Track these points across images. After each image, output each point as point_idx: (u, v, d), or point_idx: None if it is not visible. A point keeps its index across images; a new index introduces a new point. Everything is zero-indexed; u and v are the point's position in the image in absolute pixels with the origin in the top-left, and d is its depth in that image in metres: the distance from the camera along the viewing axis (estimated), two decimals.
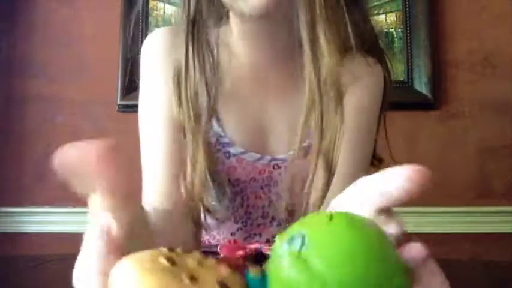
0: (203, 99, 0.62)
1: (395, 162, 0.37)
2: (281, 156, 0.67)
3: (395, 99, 1.76)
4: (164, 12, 1.73)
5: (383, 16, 1.69)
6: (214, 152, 0.66)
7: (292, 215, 0.66)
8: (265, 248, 0.57)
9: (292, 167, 0.64)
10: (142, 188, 0.67)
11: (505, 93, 1.65)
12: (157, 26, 1.72)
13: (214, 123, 0.66)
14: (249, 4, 0.57)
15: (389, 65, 0.71)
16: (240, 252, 0.57)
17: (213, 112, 0.63)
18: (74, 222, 1.64)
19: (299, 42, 0.60)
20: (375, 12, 1.70)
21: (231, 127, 0.67)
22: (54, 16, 1.75)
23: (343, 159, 0.62)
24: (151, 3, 1.73)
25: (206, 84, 0.62)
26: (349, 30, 0.59)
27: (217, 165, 0.66)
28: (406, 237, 0.33)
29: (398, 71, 1.66)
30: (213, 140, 0.66)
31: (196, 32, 0.62)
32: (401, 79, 1.66)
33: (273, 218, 0.70)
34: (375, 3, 1.70)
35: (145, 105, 0.69)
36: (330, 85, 0.58)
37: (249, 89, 0.68)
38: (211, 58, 0.63)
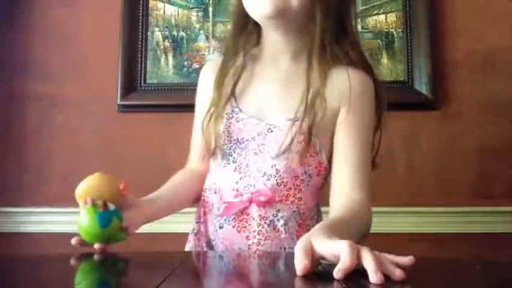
0: (228, 88, 0.97)
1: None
2: (274, 122, 0.94)
3: (395, 99, 1.78)
4: (164, 12, 1.73)
5: (383, 16, 1.70)
6: (229, 118, 0.96)
7: (278, 172, 0.92)
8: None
9: (280, 133, 0.92)
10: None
11: (505, 93, 1.65)
12: (157, 26, 1.72)
13: (233, 100, 0.97)
14: (260, 7, 0.89)
15: (377, 77, 0.99)
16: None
17: (232, 94, 0.97)
18: (74, 222, 1.64)
19: (301, 55, 0.96)
20: (375, 12, 1.70)
21: (243, 103, 0.97)
22: (54, 16, 1.75)
23: (348, 149, 0.92)
24: (151, 3, 1.73)
25: (232, 78, 0.98)
26: (346, 52, 0.95)
27: (231, 127, 0.95)
28: None
29: (398, 71, 1.66)
30: (229, 110, 0.96)
31: (233, 49, 0.98)
32: (401, 79, 1.66)
33: (264, 173, 0.93)
34: (375, 3, 1.70)
35: (196, 109, 1.07)
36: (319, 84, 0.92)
37: (261, 82, 0.98)
38: (239, 64, 0.98)
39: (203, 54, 1.70)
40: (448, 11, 1.69)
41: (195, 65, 1.69)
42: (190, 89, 1.63)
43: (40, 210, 1.65)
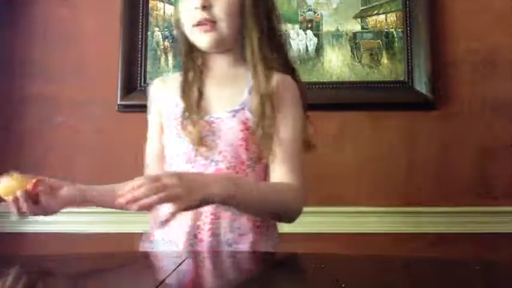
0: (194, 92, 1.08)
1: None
2: (216, 115, 1.05)
3: (395, 99, 1.77)
4: (164, 12, 1.73)
5: (383, 16, 1.70)
6: (177, 118, 1.06)
7: (225, 159, 1.02)
8: None
9: (222, 124, 1.04)
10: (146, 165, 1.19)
11: (505, 93, 1.65)
12: (157, 26, 1.72)
13: (181, 102, 1.07)
14: (201, 43, 1.05)
15: (300, 79, 1.13)
16: None
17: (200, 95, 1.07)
18: (74, 222, 1.64)
19: (241, 62, 1.09)
20: (375, 12, 1.70)
21: (190, 103, 1.06)
22: (54, 16, 1.75)
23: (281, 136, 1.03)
24: (151, 3, 1.73)
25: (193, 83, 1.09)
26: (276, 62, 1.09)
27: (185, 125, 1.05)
28: None
29: (398, 71, 1.66)
30: (179, 111, 1.06)
31: (187, 63, 1.10)
32: (401, 79, 1.66)
33: (212, 160, 1.03)
34: (375, 3, 1.70)
35: (148, 124, 1.19)
36: (262, 87, 1.04)
37: (205, 85, 1.09)
38: (198, 74, 1.09)
39: None
40: (448, 11, 1.69)
41: None
42: None
43: None
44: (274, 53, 1.08)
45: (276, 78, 1.07)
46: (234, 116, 1.04)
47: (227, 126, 1.03)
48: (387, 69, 1.67)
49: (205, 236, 0.99)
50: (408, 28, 1.67)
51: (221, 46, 1.06)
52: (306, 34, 1.70)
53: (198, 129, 1.02)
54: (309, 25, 1.70)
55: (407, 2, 1.68)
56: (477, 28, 1.68)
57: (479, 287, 0.65)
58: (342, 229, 1.60)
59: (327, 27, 1.70)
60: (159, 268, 0.73)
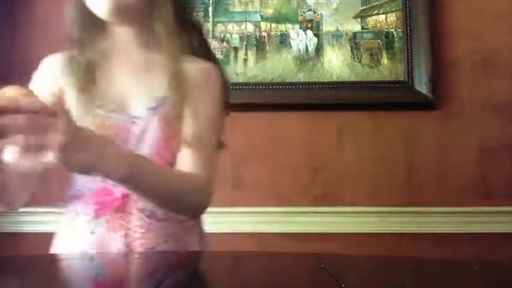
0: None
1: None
2: (136, 114, 0.91)
3: (395, 99, 1.77)
4: None
5: (383, 16, 1.69)
6: (87, 114, 0.88)
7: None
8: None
9: (144, 124, 0.90)
10: None
11: (505, 93, 1.65)
12: None
13: (88, 98, 0.90)
14: (99, 10, 0.89)
15: (222, 68, 1.02)
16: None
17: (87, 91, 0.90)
18: None
19: (150, 45, 0.94)
20: (375, 12, 1.70)
21: (100, 99, 0.90)
22: (54, 16, 1.75)
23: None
24: None
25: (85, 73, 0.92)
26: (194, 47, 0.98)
27: (90, 125, 0.86)
28: None
29: (399, 71, 1.66)
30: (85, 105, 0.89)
31: (81, 42, 0.96)
32: (402, 79, 1.66)
33: None
34: (375, 3, 1.70)
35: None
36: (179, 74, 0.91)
37: (115, 75, 0.94)
38: (90, 59, 0.93)
39: None
40: (448, 11, 1.69)
41: None
42: None
43: (40, 210, 1.64)
44: (193, 34, 0.97)
45: (199, 65, 0.96)
46: (154, 113, 0.90)
47: (148, 126, 0.90)
48: (387, 69, 1.67)
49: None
50: (408, 28, 1.67)
51: (124, 11, 0.89)
52: (306, 34, 1.70)
53: (99, 122, 0.87)
54: (309, 25, 1.70)
55: (407, 2, 1.68)
56: (477, 28, 1.68)
57: (479, 287, 0.65)
58: (342, 229, 1.60)
59: (327, 27, 1.70)
60: (159, 268, 0.72)
